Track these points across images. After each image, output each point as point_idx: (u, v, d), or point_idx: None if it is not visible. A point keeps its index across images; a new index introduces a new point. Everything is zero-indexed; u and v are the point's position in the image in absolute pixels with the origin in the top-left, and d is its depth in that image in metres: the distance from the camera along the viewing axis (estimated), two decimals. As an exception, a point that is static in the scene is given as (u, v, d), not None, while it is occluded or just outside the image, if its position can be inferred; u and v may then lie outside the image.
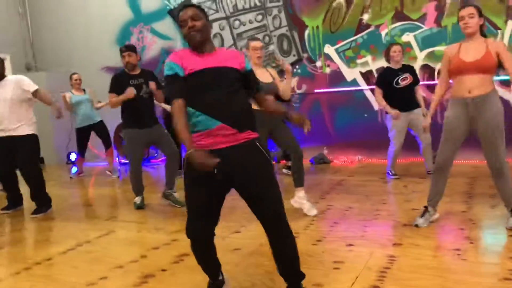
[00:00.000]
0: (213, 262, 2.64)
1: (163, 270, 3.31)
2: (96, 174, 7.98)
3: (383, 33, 6.99)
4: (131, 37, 8.91)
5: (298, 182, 4.48)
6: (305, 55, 7.54)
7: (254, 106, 2.62)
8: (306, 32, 7.48)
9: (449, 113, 3.74)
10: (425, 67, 6.77)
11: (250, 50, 4.40)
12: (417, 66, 6.81)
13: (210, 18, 8.13)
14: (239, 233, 4.05)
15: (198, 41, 2.39)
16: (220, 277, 2.74)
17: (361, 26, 7.09)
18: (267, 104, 2.73)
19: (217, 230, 3.82)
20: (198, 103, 2.34)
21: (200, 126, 2.35)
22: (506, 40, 6.33)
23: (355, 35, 7.15)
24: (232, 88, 2.38)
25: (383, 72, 5.87)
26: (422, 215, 3.92)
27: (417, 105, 5.71)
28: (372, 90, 7.02)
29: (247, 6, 7.85)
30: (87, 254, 3.77)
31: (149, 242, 3.95)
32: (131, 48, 4.97)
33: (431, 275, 2.92)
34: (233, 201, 5.10)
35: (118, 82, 4.93)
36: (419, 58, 6.81)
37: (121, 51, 4.94)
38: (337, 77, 7.35)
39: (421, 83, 6.76)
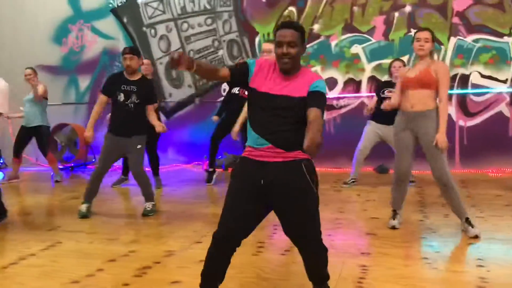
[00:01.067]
0: (220, 275, 2.53)
1: (126, 285, 3.03)
2: (29, 180, 7.37)
3: (333, 43, 7.10)
4: (69, 35, 8.38)
5: None
6: (255, 62, 7.46)
7: None
8: (257, 39, 7.43)
9: (396, 125, 3.99)
10: (372, 78, 6.94)
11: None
12: (364, 77, 6.99)
13: (156, 19, 7.86)
14: (201, 243, 3.85)
15: (286, 69, 2.43)
16: None
17: (311, 36, 7.15)
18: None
19: (177, 241, 3.61)
20: (255, 121, 2.47)
21: (254, 144, 2.46)
22: (448, 55, 6.66)
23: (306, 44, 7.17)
24: (288, 113, 2.41)
25: (383, 83, 6.07)
26: (394, 218, 4.07)
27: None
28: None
29: (196, 8, 7.66)
30: (33, 268, 3.38)
31: (104, 254, 3.63)
32: (135, 51, 4.77)
33: (407, 285, 2.92)
34: (192, 210, 4.97)
35: (111, 83, 4.75)
36: (367, 70, 6.98)
37: (123, 53, 4.72)
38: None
39: (366, 94, 6.96)
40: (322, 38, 7.14)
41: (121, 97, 4.65)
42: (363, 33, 6.95)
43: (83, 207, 4.77)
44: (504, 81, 6.50)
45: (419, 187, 5.79)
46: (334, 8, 7.05)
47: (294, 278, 3.07)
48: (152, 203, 4.84)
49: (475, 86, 6.63)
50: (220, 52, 7.61)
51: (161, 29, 7.84)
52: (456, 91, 6.68)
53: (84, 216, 4.71)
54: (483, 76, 6.52)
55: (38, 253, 3.69)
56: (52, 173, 6.99)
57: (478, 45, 6.51)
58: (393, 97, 4.07)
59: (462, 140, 6.70)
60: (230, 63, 7.57)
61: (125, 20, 8.02)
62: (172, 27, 7.79)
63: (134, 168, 4.79)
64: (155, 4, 7.82)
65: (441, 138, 3.69)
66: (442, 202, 4.95)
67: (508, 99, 6.51)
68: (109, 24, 8.13)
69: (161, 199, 5.56)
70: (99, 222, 4.59)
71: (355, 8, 6.96)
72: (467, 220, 3.81)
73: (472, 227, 3.76)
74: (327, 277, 2.64)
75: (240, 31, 7.51)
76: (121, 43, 8.08)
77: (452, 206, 3.86)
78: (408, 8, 6.75)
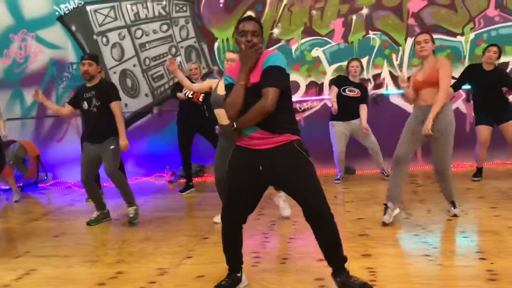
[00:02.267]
0: (237, 252, 2.89)
1: (125, 310, 2.79)
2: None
3: (293, 47, 7.08)
4: (11, 46, 7.80)
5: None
6: (215, 67, 7.31)
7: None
8: (216, 44, 7.27)
9: (411, 117, 4.21)
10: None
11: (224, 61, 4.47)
12: (326, 80, 7.02)
13: (108, 26, 7.51)
14: (192, 258, 3.64)
15: (255, 59, 2.62)
16: (239, 274, 2.92)
17: (271, 40, 7.10)
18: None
19: (165, 258, 3.40)
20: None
21: (243, 131, 2.69)
22: (406, 55, 6.83)
23: (266, 49, 7.12)
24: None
25: (339, 77, 6.36)
26: (385, 213, 4.16)
27: (358, 116, 6.07)
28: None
29: (150, 15, 7.38)
30: (12, 301, 3.05)
31: (89, 278, 3.33)
32: (93, 57, 4.76)
33: (419, 283, 2.88)
34: (169, 224, 4.71)
35: (75, 95, 4.88)
36: (328, 73, 7.02)
37: (81, 59, 4.72)
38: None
39: (329, 96, 7.00)
40: (282, 42, 7.10)
41: (85, 105, 4.71)
42: (323, 36, 6.99)
43: (94, 214, 4.91)
44: (459, 79, 6.75)
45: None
46: (292, 12, 7.04)
47: (301, 285, 2.96)
48: (134, 207, 4.80)
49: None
50: (178, 59, 7.37)
51: (113, 37, 7.48)
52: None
53: (91, 223, 4.83)
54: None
55: (12, 284, 3.33)
56: (6, 193, 6.45)
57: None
58: (408, 94, 4.25)
59: (423, 138, 6.87)
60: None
61: (73, 28, 7.59)
62: (125, 34, 7.46)
63: (108, 168, 4.68)
64: (105, 11, 7.46)
65: (428, 125, 3.91)
66: (419, 198, 5.07)
67: (464, 95, 6.77)
68: (55, 33, 7.65)
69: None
70: (71, 244, 4.24)
71: (314, 12, 6.99)
72: (452, 202, 4.26)
73: (455, 207, 4.22)
74: (345, 258, 2.80)
75: (198, 37, 7.32)
76: (70, 53, 7.65)
77: (444, 191, 4.25)
78: (365, 11, 6.87)
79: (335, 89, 6.10)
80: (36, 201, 6.64)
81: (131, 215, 4.75)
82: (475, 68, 5.69)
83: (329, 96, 6.41)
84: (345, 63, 6.85)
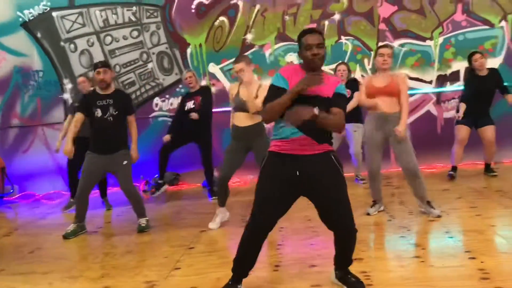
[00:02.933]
0: (254, 258, 2.84)
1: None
2: None
3: (267, 53, 7.08)
4: (-28, 53, 7.44)
5: None
6: (188, 74, 7.19)
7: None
8: (189, 50, 7.18)
9: (368, 127, 4.45)
10: (308, 85, 7.01)
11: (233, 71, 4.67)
12: (300, 85, 7.03)
13: (76, 33, 7.29)
14: (180, 269, 3.54)
15: (318, 67, 2.68)
16: (240, 285, 2.88)
17: (245, 46, 7.07)
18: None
19: (152, 271, 3.32)
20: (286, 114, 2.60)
21: (283, 133, 2.69)
22: (378, 60, 6.93)
23: (240, 54, 7.09)
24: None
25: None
26: (373, 206, 4.59)
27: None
28: (259, 109, 7.02)
29: (120, 21, 7.21)
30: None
31: (74, 295, 3.19)
32: (106, 64, 4.68)
33: (415, 285, 2.90)
34: (150, 234, 4.56)
35: (86, 102, 4.67)
36: (303, 77, 7.03)
37: (96, 67, 4.60)
38: (223, 97, 7.16)
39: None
40: (256, 48, 7.08)
41: (99, 112, 4.55)
42: (297, 41, 6.99)
43: (70, 227, 4.69)
44: (430, 82, 6.93)
45: (367, 188, 5.91)
46: (266, 18, 7.04)
47: (301, 294, 2.92)
48: (146, 218, 4.74)
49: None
50: (150, 65, 7.23)
51: (81, 44, 7.26)
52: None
53: (68, 236, 4.60)
54: (410, 78, 6.85)
55: (-9, 304, 3.14)
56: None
57: (404, 49, 6.88)
58: (361, 100, 4.52)
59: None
60: (161, 76, 7.24)
61: (38, 35, 7.31)
62: (94, 40, 7.26)
63: (125, 185, 4.63)
64: (73, 17, 7.24)
65: (401, 128, 4.22)
66: (399, 200, 5.13)
67: (434, 98, 6.94)
68: (20, 40, 7.35)
69: (112, 226, 5.08)
70: (49, 259, 4.04)
71: (287, 17, 7.01)
72: (429, 203, 4.35)
73: (434, 208, 4.32)
74: (351, 261, 2.91)
75: (170, 43, 7.20)
76: (35, 60, 7.37)
77: (417, 192, 4.36)
78: (337, 16, 6.94)
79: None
80: (3, 216, 6.35)
81: (143, 224, 4.68)
82: (473, 72, 5.78)
83: None
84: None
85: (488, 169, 6.05)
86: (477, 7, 6.74)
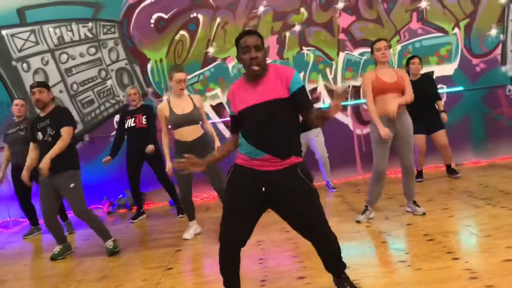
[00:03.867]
0: (234, 276, 2.73)
1: None
2: None
3: (230, 66, 7.02)
4: None
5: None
6: (150, 89, 7.04)
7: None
8: (149, 66, 7.02)
9: (375, 128, 4.29)
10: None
11: (173, 81, 4.49)
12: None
13: (28, 52, 6.97)
14: (160, 284, 3.39)
15: (256, 75, 2.55)
16: None
17: (207, 59, 6.99)
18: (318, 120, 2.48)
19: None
20: (247, 135, 2.58)
21: (249, 154, 2.59)
22: (339, 69, 7.03)
23: (202, 68, 7.01)
24: (276, 120, 2.50)
25: None
26: (363, 213, 4.58)
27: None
28: (224, 123, 6.94)
29: (76, 38, 6.96)
30: None
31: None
32: (41, 84, 4.42)
33: (407, 290, 2.89)
34: (123, 258, 4.35)
35: (31, 129, 4.52)
36: (266, 89, 7.02)
37: (31, 87, 4.39)
38: (186, 112, 7.03)
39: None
40: (218, 61, 7.02)
41: (39, 135, 4.41)
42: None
43: (56, 248, 4.61)
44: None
45: (339, 195, 5.95)
46: (226, 31, 7.00)
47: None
48: (112, 239, 4.53)
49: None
50: (109, 83, 7.01)
51: (35, 62, 6.94)
52: (350, 102, 7.08)
53: (56, 257, 4.54)
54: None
55: None
56: None
57: (364, 58, 7.01)
58: (372, 106, 4.30)
59: (361, 148, 7.09)
60: (121, 93, 7.02)
61: (-12, 54, 6.95)
62: (49, 59, 6.96)
63: (76, 209, 4.38)
64: (25, 35, 6.92)
65: (395, 106, 4.14)
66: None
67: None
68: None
69: (80, 251, 4.81)
70: (11, 284, 3.77)
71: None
72: (415, 202, 4.59)
73: (419, 207, 4.55)
74: (344, 265, 2.83)
75: (130, 59, 7.02)
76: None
77: (408, 189, 4.55)
78: (297, 27, 7.00)
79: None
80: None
81: (111, 247, 4.48)
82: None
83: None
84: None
85: (449, 170, 6.22)
86: (431, 15, 6.98)
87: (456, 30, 7.00)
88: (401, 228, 4.21)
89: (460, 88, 6.98)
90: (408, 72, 5.84)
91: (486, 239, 3.62)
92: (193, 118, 4.45)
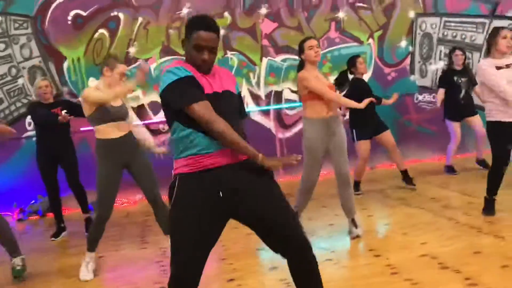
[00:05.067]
0: None
1: None
2: None
3: (152, 66, 6.87)
4: None
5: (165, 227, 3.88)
6: (65, 89, 6.67)
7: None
8: (65, 64, 6.66)
9: (311, 134, 3.93)
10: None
11: (115, 72, 3.82)
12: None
13: None
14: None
15: (205, 71, 2.21)
16: None
17: (128, 60, 6.78)
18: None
19: None
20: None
21: (200, 151, 2.15)
22: (262, 74, 7.16)
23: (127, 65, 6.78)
24: (236, 111, 2.29)
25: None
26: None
27: None
28: (147, 126, 6.77)
29: (-18, 32, 6.44)
30: None
31: None
32: None
33: (338, 287, 3.00)
34: (42, 268, 4.03)
35: None
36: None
37: None
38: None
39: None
40: (140, 62, 6.84)
41: None
42: (182, 55, 6.88)
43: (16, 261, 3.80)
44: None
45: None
46: (149, 31, 6.85)
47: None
48: (21, 257, 3.83)
49: (287, 100, 7.30)
50: (20, 81, 6.55)
51: None
52: (272, 106, 7.23)
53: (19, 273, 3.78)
54: (293, 91, 7.20)
55: None
56: None
57: (286, 64, 7.20)
58: (329, 94, 3.91)
59: (283, 150, 7.27)
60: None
61: None
62: (-50, 54, 6.37)
63: None
64: None
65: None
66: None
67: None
68: None
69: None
70: None
71: (171, 31, 6.89)
72: (353, 221, 4.03)
73: (356, 227, 4.01)
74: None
75: (44, 56, 6.61)
76: None
77: (347, 203, 4.02)
78: (221, 31, 7.02)
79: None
80: None
81: (18, 267, 3.78)
82: (351, 81, 5.76)
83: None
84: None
85: (407, 179, 5.72)
86: (348, 25, 7.34)
87: (371, 40, 7.43)
88: (325, 228, 4.37)
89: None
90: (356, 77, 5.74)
91: (403, 237, 3.88)
92: (121, 113, 3.88)
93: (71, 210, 6.58)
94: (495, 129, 4.08)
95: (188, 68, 2.17)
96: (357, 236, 3.97)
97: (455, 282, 2.89)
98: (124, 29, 6.78)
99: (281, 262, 3.23)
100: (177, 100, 2.13)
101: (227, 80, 2.32)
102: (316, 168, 4.00)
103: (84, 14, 6.65)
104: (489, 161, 4.33)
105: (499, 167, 4.11)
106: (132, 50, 6.82)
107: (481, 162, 6.23)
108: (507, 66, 4.06)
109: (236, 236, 4.26)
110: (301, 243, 2.19)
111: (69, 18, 6.62)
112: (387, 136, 5.68)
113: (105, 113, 3.73)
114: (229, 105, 2.25)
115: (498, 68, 4.04)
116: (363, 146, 5.56)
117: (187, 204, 2.14)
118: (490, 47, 4.12)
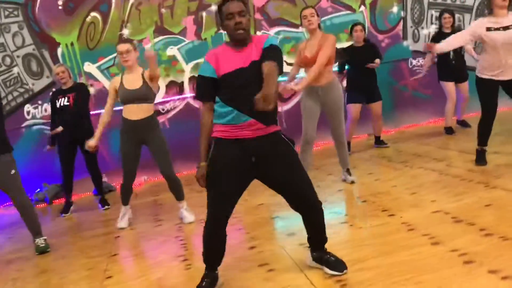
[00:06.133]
0: (220, 249, 2.72)
1: None
2: None
3: (147, 47, 6.83)
4: None
5: (179, 196, 4.41)
6: (62, 75, 6.62)
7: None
8: (59, 50, 6.60)
9: (305, 99, 4.47)
10: (193, 78, 6.95)
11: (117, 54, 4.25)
12: (185, 78, 6.97)
13: None
14: (112, 278, 3.30)
15: (242, 39, 2.51)
16: (217, 271, 2.80)
17: (122, 41, 6.73)
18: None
19: (82, 284, 3.14)
20: (231, 99, 2.50)
21: (231, 120, 2.52)
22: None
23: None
24: (255, 82, 2.40)
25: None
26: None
27: None
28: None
29: (-28, 22, 6.35)
30: None
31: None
32: None
33: (354, 246, 3.10)
34: (65, 251, 4.10)
35: None
36: (187, 71, 6.97)
37: None
38: (104, 97, 6.73)
39: (191, 94, 6.99)
40: (134, 43, 6.78)
41: None
42: (176, 34, 6.90)
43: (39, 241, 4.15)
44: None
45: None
46: (141, 11, 6.79)
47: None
48: (44, 237, 4.17)
49: (284, 73, 7.28)
50: (15, 70, 6.50)
51: None
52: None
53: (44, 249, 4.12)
54: (288, 64, 7.19)
55: None
56: None
57: (280, 36, 7.19)
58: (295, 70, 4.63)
59: (282, 124, 7.30)
60: (30, 80, 6.56)
61: None
62: None
63: (19, 200, 4.04)
64: None
65: (300, 86, 4.13)
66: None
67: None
68: None
69: (5, 250, 4.48)
70: None
71: (163, 10, 6.84)
72: (348, 170, 4.76)
73: (350, 175, 4.74)
74: (326, 239, 2.84)
75: (37, 44, 6.54)
76: None
77: (341, 157, 4.71)
78: (214, 7, 6.98)
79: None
80: None
81: (42, 245, 4.10)
82: (349, 48, 6.11)
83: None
84: (201, 60, 6.91)
85: (378, 141, 6.46)
86: (338, -6, 7.34)
87: (363, 7, 7.43)
88: (334, 194, 4.46)
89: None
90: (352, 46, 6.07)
91: (413, 196, 3.98)
92: (140, 95, 4.18)
93: (78, 196, 6.64)
94: (479, 84, 4.49)
95: (213, 57, 2.54)
96: (352, 182, 4.67)
97: (471, 233, 3.00)
98: (116, 11, 6.72)
99: (297, 228, 3.37)
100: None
101: (257, 49, 2.49)
102: (310, 127, 4.49)
103: (75, -2, 6.57)
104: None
105: (487, 119, 4.49)
106: (125, 32, 6.77)
107: (461, 122, 6.71)
108: (505, 28, 4.13)
109: (246, 208, 4.36)
110: (313, 203, 2.67)
111: (60, 3, 6.54)
112: (376, 107, 6.24)
113: (121, 96, 4.25)
114: (250, 76, 2.46)
115: (489, 29, 4.14)
116: (352, 108, 6.03)
117: (223, 161, 2.55)
118: (491, 5, 4.20)
